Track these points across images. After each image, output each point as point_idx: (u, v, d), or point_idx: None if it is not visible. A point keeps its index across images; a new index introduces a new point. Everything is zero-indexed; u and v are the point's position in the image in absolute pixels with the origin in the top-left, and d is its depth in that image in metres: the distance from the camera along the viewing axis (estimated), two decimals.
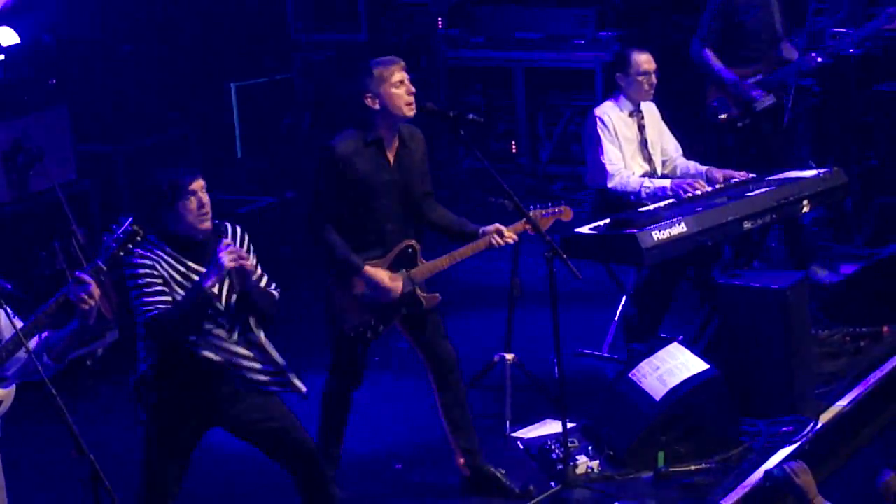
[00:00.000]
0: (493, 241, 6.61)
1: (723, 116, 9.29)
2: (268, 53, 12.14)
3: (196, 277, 5.72)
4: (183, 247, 5.77)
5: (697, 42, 9.34)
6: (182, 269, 5.74)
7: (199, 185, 5.75)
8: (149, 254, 5.69)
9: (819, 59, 9.13)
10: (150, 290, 5.67)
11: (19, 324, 5.09)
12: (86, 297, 5.06)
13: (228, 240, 5.79)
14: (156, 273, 5.68)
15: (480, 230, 6.64)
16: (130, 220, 5.28)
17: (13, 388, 5.22)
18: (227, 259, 5.67)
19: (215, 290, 5.72)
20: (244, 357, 5.84)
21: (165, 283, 5.69)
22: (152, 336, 5.69)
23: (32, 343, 5.12)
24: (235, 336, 5.82)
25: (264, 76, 11.95)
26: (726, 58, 9.24)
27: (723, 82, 9.22)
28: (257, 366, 5.86)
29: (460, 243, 6.67)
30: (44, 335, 5.19)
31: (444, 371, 6.73)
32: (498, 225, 6.63)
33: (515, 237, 6.66)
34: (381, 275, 6.50)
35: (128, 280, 5.69)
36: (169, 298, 5.68)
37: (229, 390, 5.82)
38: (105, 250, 5.24)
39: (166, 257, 5.72)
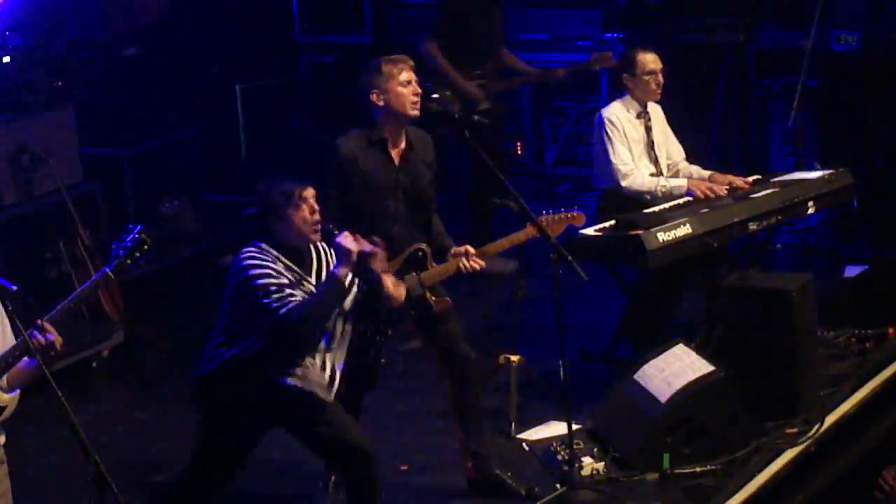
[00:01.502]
0: (461, 266, 6.58)
1: (440, 109, 9.55)
2: (273, 55, 12.14)
3: (307, 283, 5.76)
4: (292, 256, 5.80)
5: (425, 38, 9.58)
6: (295, 275, 5.76)
7: (309, 192, 5.79)
8: (267, 256, 5.72)
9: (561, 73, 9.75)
10: (276, 287, 5.66)
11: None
12: (45, 344, 5.03)
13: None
14: (277, 271, 5.70)
15: (452, 251, 6.63)
16: (139, 228, 5.29)
17: (17, 393, 5.21)
18: (348, 242, 5.71)
19: (347, 280, 5.77)
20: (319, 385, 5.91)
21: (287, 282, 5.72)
22: (283, 332, 5.66)
23: (23, 362, 5.11)
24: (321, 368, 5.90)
25: (270, 78, 11.95)
26: (452, 59, 9.49)
27: (446, 80, 9.46)
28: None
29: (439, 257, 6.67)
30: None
31: (459, 374, 6.70)
32: (467, 247, 6.61)
33: (483, 263, 6.61)
34: (385, 281, 6.48)
35: (247, 282, 5.66)
36: (298, 293, 5.70)
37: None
38: (113, 258, 5.25)
39: (280, 262, 5.74)
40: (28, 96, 9.38)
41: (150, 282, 9.61)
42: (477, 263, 6.58)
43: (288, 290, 5.67)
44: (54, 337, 5.01)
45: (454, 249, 6.62)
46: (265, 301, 5.65)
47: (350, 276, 5.82)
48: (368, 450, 6.01)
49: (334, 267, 5.76)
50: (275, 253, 5.74)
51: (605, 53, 9.73)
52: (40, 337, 5.00)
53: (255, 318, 5.68)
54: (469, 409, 6.75)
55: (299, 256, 5.83)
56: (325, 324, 5.81)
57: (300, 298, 5.69)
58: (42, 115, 9.23)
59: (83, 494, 5.17)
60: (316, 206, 5.79)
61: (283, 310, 5.63)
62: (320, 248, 5.96)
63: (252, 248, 5.74)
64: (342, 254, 5.74)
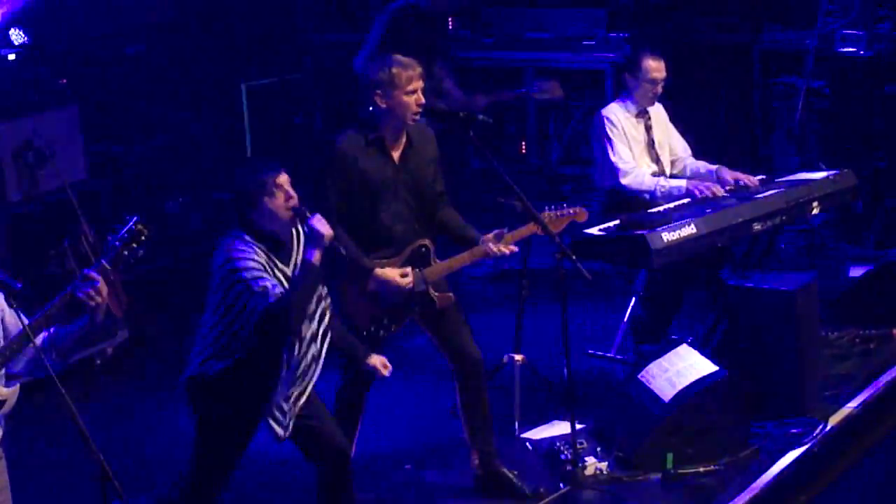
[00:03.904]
0: (490, 251, 6.59)
1: (444, 109, 9.56)
2: (278, 53, 12.14)
3: (284, 279, 5.73)
4: (272, 247, 5.77)
5: (363, 59, 9.44)
6: (276, 268, 5.75)
7: (283, 179, 5.74)
8: (248, 248, 5.69)
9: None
10: (259, 280, 5.64)
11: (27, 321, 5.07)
12: (93, 293, 5.01)
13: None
14: (260, 263, 5.67)
15: (480, 238, 6.62)
16: (135, 219, 5.25)
17: (17, 386, 5.19)
18: (321, 226, 5.68)
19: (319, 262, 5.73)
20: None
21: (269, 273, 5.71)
22: (270, 325, 5.63)
23: (39, 338, 5.10)
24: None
25: (275, 76, 11.95)
26: None
27: None
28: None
29: (462, 248, 6.66)
30: (51, 330, 5.15)
31: (466, 370, 6.70)
32: (497, 232, 6.61)
33: (514, 248, 6.62)
34: (391, 273, 6.49)
35: (232, 275, 5.66)
36: (278, 286, 5.67)
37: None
38: (110, 250, 5.20)
39: (262, 254, 5.72)
40: (33, 94, 9.40)
41: (155, 280, 9.62)
42: (507, 248, 6.59)
43: (269, 283, 5.66)
44: (100, 283, 5.01)
45: (484, 237, 6.61)
46: (246, 295, 5.65)
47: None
48: (347, 449, 6.04)
49: (307, 252, 5.74)
50: (255, 244, 5.73)
51: (554, 84, 9.90)
52: (87, 288, 4.99)
53: (240, 314, 5.69)
54: (476, 406, 6.75)
55: (278, 243, 5.81)
56: (305, 308, 5.78)
57: (280, 291, 5.69)
58: (47, 113, 9.23)
59: (86, 491, 5.17)
60: (292, 193, 5.75)
61: (266, 301, 5.63)
62: (301, 232, 5.91)
63: (234, 241, 5.72)
64: (315, 237, 5.72)
